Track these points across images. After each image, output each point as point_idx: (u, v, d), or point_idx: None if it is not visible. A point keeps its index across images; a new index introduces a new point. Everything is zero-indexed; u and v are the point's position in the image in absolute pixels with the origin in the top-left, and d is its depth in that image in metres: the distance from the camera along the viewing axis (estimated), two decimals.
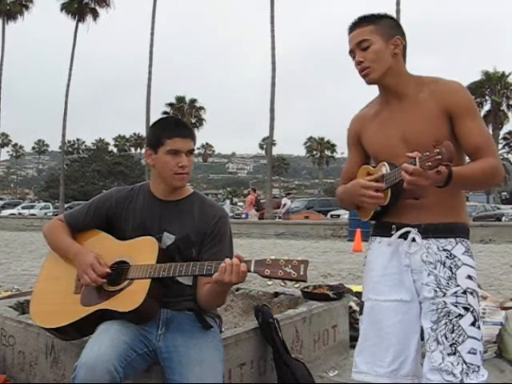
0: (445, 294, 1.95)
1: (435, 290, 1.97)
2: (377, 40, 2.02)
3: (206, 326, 2.37)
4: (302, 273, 2.00)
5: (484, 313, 3.80)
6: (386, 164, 1.99)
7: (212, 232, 2.41)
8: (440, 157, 1.63)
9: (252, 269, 2.07)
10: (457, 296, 1.94)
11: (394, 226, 2.08)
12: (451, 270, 1.97)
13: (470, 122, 1.97)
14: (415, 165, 1.70)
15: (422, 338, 2.14)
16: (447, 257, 1.98)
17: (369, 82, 2.09)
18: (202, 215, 2.44)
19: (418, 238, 2.02)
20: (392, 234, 2.09)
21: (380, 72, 2.04)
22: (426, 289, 1.99)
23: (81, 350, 2.15)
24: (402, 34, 2.09)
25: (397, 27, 2.09)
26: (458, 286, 1.95)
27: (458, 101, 1.98)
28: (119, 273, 2.30)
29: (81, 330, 2.35)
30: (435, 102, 2.00)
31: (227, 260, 2.09)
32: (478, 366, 1.91)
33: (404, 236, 2.05)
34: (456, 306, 1.93)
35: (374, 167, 2.13)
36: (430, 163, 1.65)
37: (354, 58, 2.09)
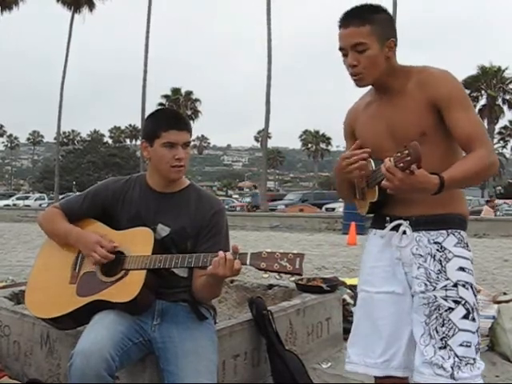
0: (435, 288, 1.95)
1: (425, 284, 1.96)
2: (373, 44, 1.95)
3: (200, 317, 2.38)
4: (297, 266, 2.01)
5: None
6: (371, 161, 1.99)
7: (208, 225, 2.41)
8: (409, 158, 1.70)
9: (248, 262, 2.08)
10: (446, 289, 1.93)
11: (388, 219, 2.08)
12: (441, 264, 1.96)
13: (459, 113, 1.93)
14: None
15: None
16: (437, 250, 1.97)
17: (359, 86, 2.06)
18: (198, 208, 2.44)
19: (409, 231, 2.01)
20: (386, 227, 2.08)
21: (373, 78, 2.01)
22: (416, 282, 1.99)
23: (76, 339, 2.16)
24: (395, 32, 2.03)
25: (391, 25, 2.02)
26: (447, 279, 1.94)
27: (443, 92, 1.94)
28: (115, 263, 2.30)
29: (76, 319, 2.36)
30: (421, 92, 1.97)
31: (221, 253, 2.10)
32: (474, 359, 1.90)
33: (396, 228, 2.05)
34: (446, 300, 1.92)
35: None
36: (402, 164, 1.72)
37: (344, 55, 2.02)
